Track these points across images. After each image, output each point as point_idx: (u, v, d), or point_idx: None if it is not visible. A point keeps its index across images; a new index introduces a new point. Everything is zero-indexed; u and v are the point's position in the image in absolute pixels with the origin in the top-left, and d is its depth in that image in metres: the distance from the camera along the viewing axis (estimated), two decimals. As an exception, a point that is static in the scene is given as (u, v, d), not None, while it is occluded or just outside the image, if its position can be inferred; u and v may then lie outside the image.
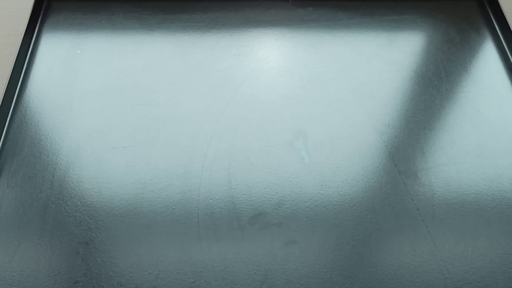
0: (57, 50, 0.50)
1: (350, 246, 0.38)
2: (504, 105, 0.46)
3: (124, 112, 0.45)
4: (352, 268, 0.37)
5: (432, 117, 0.45)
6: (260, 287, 0.36)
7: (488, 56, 0.51)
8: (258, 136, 0.44)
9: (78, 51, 0.50)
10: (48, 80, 0.47)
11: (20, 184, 0.40)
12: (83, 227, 0.38)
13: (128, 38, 0.51)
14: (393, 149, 0.43)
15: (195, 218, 0.39)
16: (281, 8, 0.54)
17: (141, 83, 0.47)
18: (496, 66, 0.50)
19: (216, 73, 0.48)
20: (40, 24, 0.52)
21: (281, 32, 0.52)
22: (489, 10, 0.55)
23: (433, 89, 0.47)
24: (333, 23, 0.53)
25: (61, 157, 0.42)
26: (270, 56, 0.50)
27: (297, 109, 0.46)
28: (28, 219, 0.39)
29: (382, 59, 0.50)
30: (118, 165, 0.42)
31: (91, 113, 0.45)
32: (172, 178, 0.41)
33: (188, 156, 0.42)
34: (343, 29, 0.53)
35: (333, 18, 0.54)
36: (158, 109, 0.45)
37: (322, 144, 0.43)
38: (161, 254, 0.37)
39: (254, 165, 0.42)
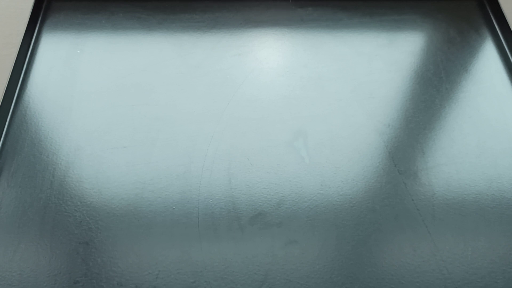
0: (57, 50, 0.50)
1: (350, 246, 0.38)
2: (504, 105, 0.46)
3: (124, 112, 0.45)
4: (352, 268, 0.37)
5: (432, 117, 0.45)
6: (260, 287, 0.36)
7: (488, 56, 0.51)
8: (258, 136, 0.44)
9: (78, 51, 0.50)
10: (48, 80, 0.47)
11: (20, 184, 0.40)
12: (83, 227, 0.38)
13: (128, 38, 0.51)
14: (393, 149, 0.43)
15: (195, 218, 0.39)
16: (281, 8, 0.54)
17: (141, 83, 0.47)
18: (496, 66, 0.50)
19: (216, 73, 0.48)
20: (40, 24, 0.52)
21: (281, 32, 0.52)
22: (489, 10, 0.55)
23: (433, 89, 0.47)
24: (333, 23, 0.53)
25: (61, 157, 0.42)
26: (270, 56, 0.50)
27: (297, 109, 0.46)
28: (28, 219, 0.39)
29: (382, 59, 0.50)
30: (118, 165, 0.42)
31: (91, 113, 0.45)
32: (172, 178, 0.41)
33: (188, 156, 0.42)
34: (343, 29, 0.53)
35: (333, 18, 0.54)
36: (158, 109, 0.45)
37: (322, 144, 0.43)
38: (161, 254, 0.37)
39: (254, 165, 0.42)
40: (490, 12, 0.54)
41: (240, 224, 0.39)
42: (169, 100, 0.46)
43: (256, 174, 0.41)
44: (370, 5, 0.55)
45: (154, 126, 0.44)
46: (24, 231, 0.38)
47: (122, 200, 0.40)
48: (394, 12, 0.54)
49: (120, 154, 0.42)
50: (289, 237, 0.38)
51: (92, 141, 0.43)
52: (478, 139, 0.44)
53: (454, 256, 0.37)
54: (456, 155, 0.43)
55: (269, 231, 0.38)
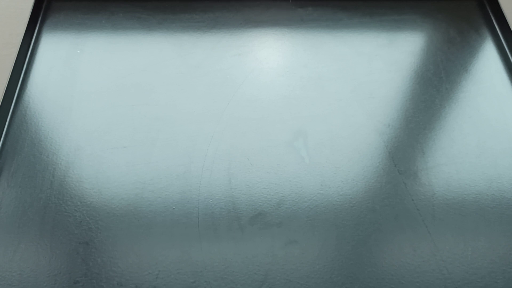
0: (57, 50, 0.50)
1: (350, 246, 0.38)
2: (504, 105, 0.46)
3: (124, 112, 0.45)
4: (352, 268, 0.37)
5: (432, 117, 0.45)
6: (260, 287, 0.36)
7: (488, 56, 0.51)
8: (258, 136, 0.44)
9: (78, 51, 0.50)
10: (48, 80, 0.47)
11: (20, 184, 0.40)
12: (83, 227, 0.38)
13: (128, 38, 0.51)
14: (393, 149, 0.43)
15: (195, 218, 0.39)
16: (281, 8, 0.54)
17: (141, 83, 0.47)
18: (496, 66, 0.50)
19: (216, 73, 0.48)
20: (40, 24, 0.52)
21: (281, 32, 0.52)
22: (489, 10, 0.55)
23: (433, 89, 0.47)
24: (333, 23, 0.53)
25: (61, 157, 0.42)
26: (270, 56, 0.50)
27: (297, 109, 0.46)
28: (28, 219, 0.39)
29: (382, 59, 0.50)
30: (118, 165, 0.42)
31: (91, 113, 0.45)
32: (172, 178, 0.41)
33: (188, 156, 0.42)
34: (343, 29, 0.53)
35: (333, 18, 0.54)
36: (158, 109, 0.45)
37: (322, 144, 0.43)
38: (161, 254, 0.37)
39: (254, 165, 0.42)
40: (490, 12, 0.54)
41: (240, 224, 0.39)
42: (169, 100, 0.46)
43: (256, 174, 0.41)
44: (370, 5, 0.55)
45: (154, 126, 0.44)
46: (24, 231, 0.38)
47: (122, 200, 0.40)
48: (394, 12, 0.54)
49: (120, 154, 0.42)
50: (289, 237, 0.38)
51: (92, 141, 0.43)
52: (478, 139, 0.44)
53: (454, 256, 0.37)
54: (456, 155, 0.43)
55: (269, 231, 0.38)
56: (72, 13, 0.53)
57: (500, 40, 0.52)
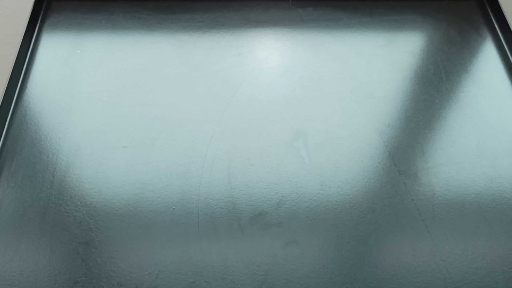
0: (57, 50, 0.50)
1: (350, 246, 0.38)
2: (504, 105, 0.46)
3: (124, 112, 0.45)
4: (352, 268, 0.37)
5: (432, 117, 0.45)
6: (260, 287, 0.36)
7: (488, 56, 0.51)
8: (258, 136, 0.44)
9: (78, 51, 0.50)
10: (48, 80, 0.47)
11: (20, 184, 0.40)
12: (83, 227, 0.38)
13: (128, 38, 0.51)
14: (393, 149, 0.43)
15: (195, 218, 0.39)
16: (281, 8, 0.54)
17: (141, 83, 0.47)
18: (496, 66, 0.50)
19: (216, 73, 0.48)
20: (40, 24, 0.52)
21: (281, 32, 0.52)
22: (489, 10, 0.55)
23: (433, 89, 0.48)
24: (333, 23, 0.53)
25: (61, 157, 0.42)
26: (270, 56, 0.50)
27: (297, 109, 0.46)
28: (28, 219, 0.39)
29: (382, 59, 0.50)
30: (118, 165, 0.42)
31: (91, 113, 0.45)
32: (172, 178, 0.41)
33: (188, 156, 0.42)
34: (343, 29, 0.53)
35: (333, 18, 0.54)
36: (158, 109, 0.45)
37: (322, 144, 0.43)
38: (161, 254, 0.37)
39: (254, 165, 0.42)
40: (490, 12, 0.54)
41: (240, 224, 0.39)
42: (169, 100, 0.46)
43: (256, 174, 0.41)
44: (370, 5, 0.55)
45: (154, 126, 0.44)
46: (24, 231, 0.38)
47: (122, 200, 0.40)
48: (394, 12, 0.54)
49: (120, 154, 0.42)
50: (289, 237, 0.38)
51: (92, 141, 0.43)
52: (478, 139, 0.44)
53: (454, 256, 0.37)
54: (456, 155, 0.43)
55: (269, 231, 0.38)
56: (72, 13, 0.53)
57: (500, 40, 0.52)
